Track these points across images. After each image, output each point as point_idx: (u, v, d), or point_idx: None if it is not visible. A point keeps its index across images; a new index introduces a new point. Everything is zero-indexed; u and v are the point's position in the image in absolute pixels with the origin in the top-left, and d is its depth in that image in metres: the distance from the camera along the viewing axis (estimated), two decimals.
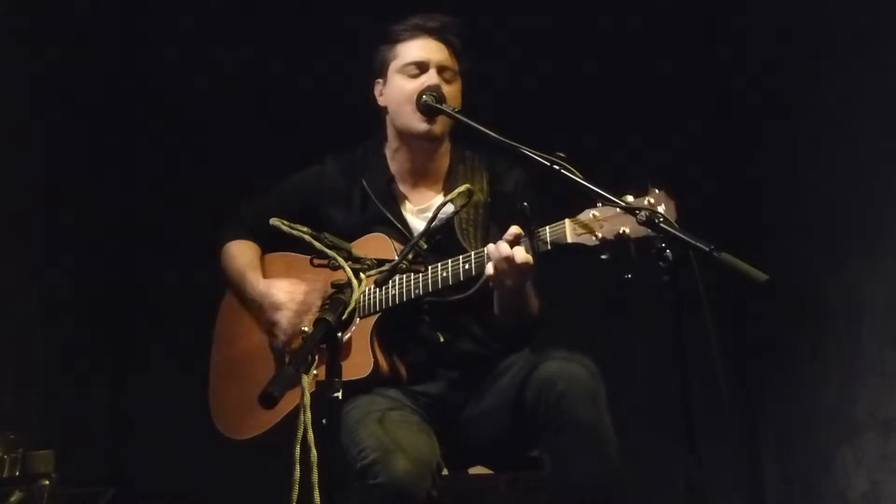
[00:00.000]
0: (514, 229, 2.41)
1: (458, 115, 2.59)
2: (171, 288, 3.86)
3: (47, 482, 2.55)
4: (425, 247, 2.23)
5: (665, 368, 2.07)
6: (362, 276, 2.05)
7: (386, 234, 2.63)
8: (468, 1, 2.90)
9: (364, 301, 2.58)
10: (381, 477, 2.27)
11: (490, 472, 2.69)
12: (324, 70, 3.98)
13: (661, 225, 2.10)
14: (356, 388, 2.53)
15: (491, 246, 2.40)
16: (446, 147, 2.79)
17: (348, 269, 2.03)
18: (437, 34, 2.71)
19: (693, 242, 2.05)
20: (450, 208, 2.46)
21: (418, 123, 2.66)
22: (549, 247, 2.34)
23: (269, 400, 1.75)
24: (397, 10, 2.78)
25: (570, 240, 2.30)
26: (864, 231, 3.31)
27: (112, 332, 3.93)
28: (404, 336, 2.62)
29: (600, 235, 2.25)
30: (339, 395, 1.94)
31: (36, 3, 3.53)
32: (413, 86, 2.67)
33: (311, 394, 1.92)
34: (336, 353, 1.96)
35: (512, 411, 2.50)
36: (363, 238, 2.63)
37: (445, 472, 2.47)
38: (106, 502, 3.09)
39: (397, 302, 2.54)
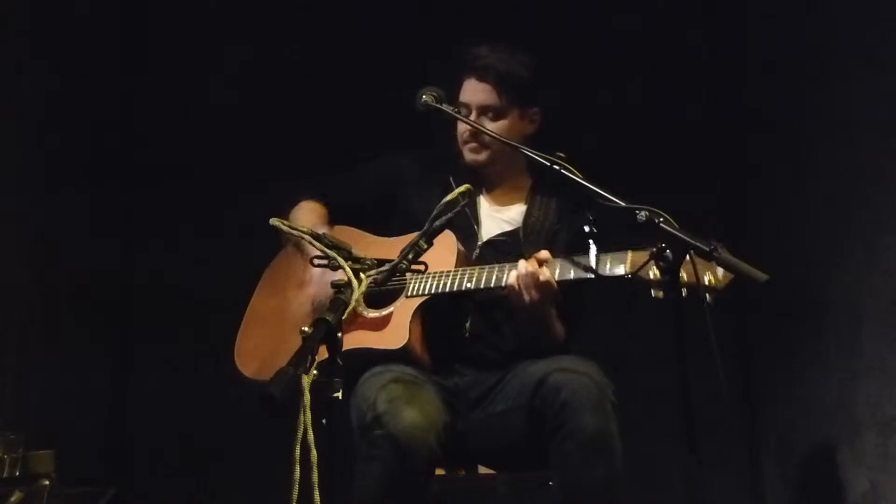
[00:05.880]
0: (545, 252, 2.53)
1: (458, 116, 2.63)
2: (172, 287, 3.86)
3: (47, 482, 2.55)
4: (425, 247, 2.24)
5: (665, 368, 2.07)
6: (362, 276, 2.05)
7: (454, 234, 2.67)
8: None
9: (417, 282, 2.63)
10: (389, 427, 2.35)
11: (490, 472, 2.70)
12: (327, 70, 3.98)
13: (662, 225, 2.11)
14: (378, 359, 2.59)
15: (522, 261, 2.50)
16: (522, 169, 2.87)
17: (348, 270, 2.03)
18: (479, 74, 2.79)
19: (693, 242, 2.05)
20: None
21: (466, 154, 2.82)
22: (606, 273, 2.38)
23: (269, 400, 1.75)
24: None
25: (629, 270, 2.34)
26: (864, 231, 3.31)
27: (112, 332, 3.93)
28: (440, 327, 2.67)
29: (657, 275, 2.24)
30: (340, 395, 1.94)
31: (37, 3, 3.53)
32: (461, 127, 2.81)
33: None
34: (336, 352, 1.96)
35: (519, 416, 2.53)
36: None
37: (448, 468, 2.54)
38: (106, 502, 3.08)
39: (447, 290, 2.58)
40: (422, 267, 2.33)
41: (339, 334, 1.96)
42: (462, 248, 2.68)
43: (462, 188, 2.38)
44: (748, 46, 3.95)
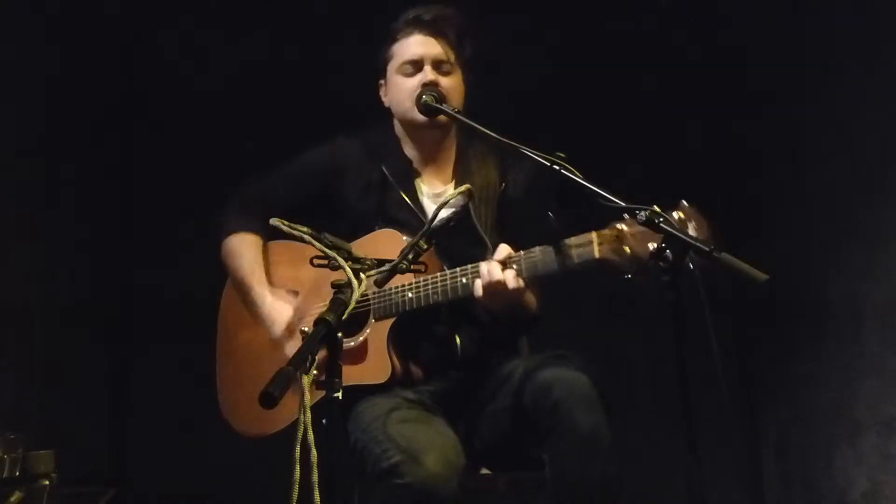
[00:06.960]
0: (505, 250, 2.44)
1: (458, 116, 2.62)
2: (171, 288, 3.85)
3: (47, 482, 2.55)
4: (425, 247, 2.23)
5: (665, 369, 2.07)
6: (362, 276, 2.05)
7: (399, 227, 2.60)
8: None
9: (380, 304, 2.57)
10: (409, 477, 2.27)
11: (490, 472, 2.69)
12: (327, 72, 3.97)
13: (661, 225, 2.10)
14: (370, 389, 2.54)
15: (483, 266, 2.43)
16: (453, 134, 2.79)
17: (348, 269, 2.03)
18: (430, 28, 2.71)
19: (693, 242, 2.05)
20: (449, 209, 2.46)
21: (419, 116, 2.68)
22: (574, 261, 2.32)
23: (268, 400, 1.75)
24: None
25: (597, 255, 2.29)
26: (864, 231, 3.31)
27: (112, 332, 3.93)
28: (419, 337, 2.62)
29: (628, 252, 2.23)
30: (340, 394, 1.94)
31: (36, 5, 3.53)
32: (412, 83, 2.69)
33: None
34: (336, 352, 1.96)
35: (513, 415, 2.51)
36: (374, 233, 2.63)
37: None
38: (106, 502, 3.08)
39: (414, 307, 2.53)
40: (422, 267, 2.32)
41: (340, 334, 1.97)
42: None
43: (461, 188, 2.38)
44: (748, 48, 3.95)
